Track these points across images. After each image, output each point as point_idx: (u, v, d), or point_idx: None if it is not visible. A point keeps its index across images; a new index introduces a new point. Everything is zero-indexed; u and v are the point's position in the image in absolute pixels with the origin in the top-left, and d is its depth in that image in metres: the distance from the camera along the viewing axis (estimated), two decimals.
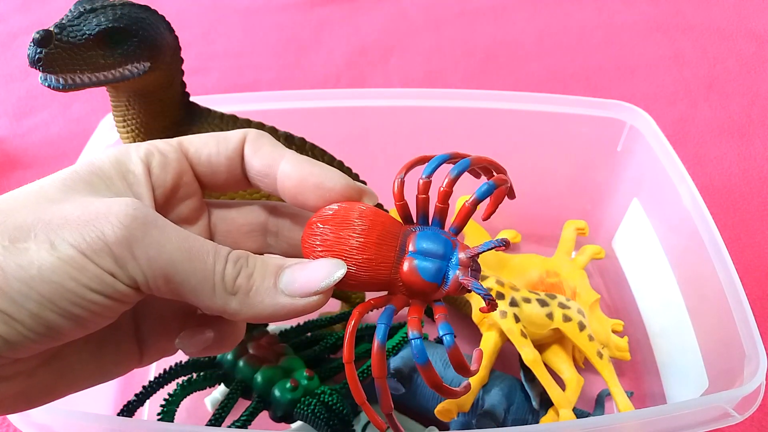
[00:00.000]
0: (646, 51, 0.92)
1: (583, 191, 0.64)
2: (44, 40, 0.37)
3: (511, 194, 0.30)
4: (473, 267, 0.28)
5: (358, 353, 0.52)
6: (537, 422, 0.49)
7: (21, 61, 0.90)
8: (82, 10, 0.39)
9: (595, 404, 0.53)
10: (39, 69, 0.38)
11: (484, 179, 0.30)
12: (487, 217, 0.32)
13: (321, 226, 0.28)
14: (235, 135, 0.30)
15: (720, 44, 0.92)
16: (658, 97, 0.84)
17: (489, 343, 0.49)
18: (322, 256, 0.28)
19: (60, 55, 0.38)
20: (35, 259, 0.23)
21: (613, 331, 0.57)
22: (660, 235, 0.56)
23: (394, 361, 0.50)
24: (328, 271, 0.27)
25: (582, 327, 0.50)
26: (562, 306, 0.50)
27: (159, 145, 0.29)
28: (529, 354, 0.47)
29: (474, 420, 0.48)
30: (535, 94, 0.60)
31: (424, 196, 0.30)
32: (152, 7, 0.42)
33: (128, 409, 0.46)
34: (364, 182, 0.54)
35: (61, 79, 0.38)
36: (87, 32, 0.38)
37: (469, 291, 0.26)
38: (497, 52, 0.92)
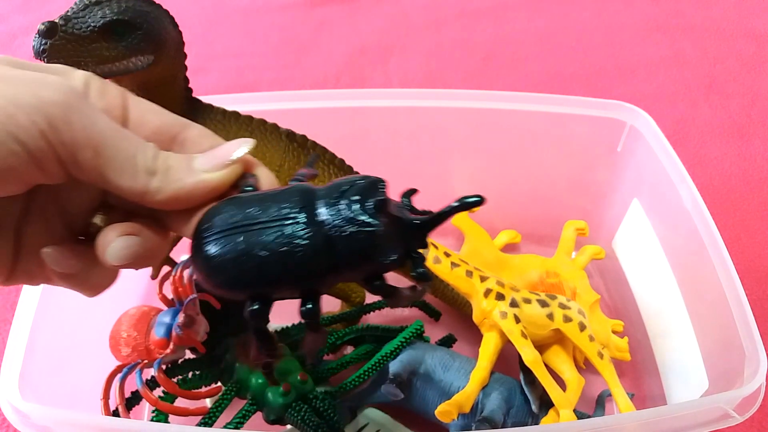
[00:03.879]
0: (646, 51, 0.92)
1: (583, 191, 0.64)
2: (49, 31, 0.37)
3: None
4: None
5: (358, 354, 0.52)
6: (536, 425, 0.49)
7: None
8: (87, 2, 0.39)
9: (595, 405, 0.53)
10: (44, 60, 0.38)
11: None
12: None
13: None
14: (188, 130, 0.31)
15: (720, 44, 0.92)
16: (658, 97, 0.84)
17: (489, 344, 0.49)
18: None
19: (65, 47, 0.38)
20: None
21: (613, 332, 0.57)
22: (660, 235, 0.56)
23: (393, 366, 0.50)
24: (236, 145, 0.30)
25: (582, 327, 0.50)
26: (562, 306, 0.50)
27: (104, 81, 0.30)
28: (529, 354, 0.47)
29: (473, 423, 0.48)
30: (535, 94, 0.60)
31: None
32: (156, 2, 0.42)
33: (125, 408, 0.46)
34: None
35: None
36: (92, 24, 0.38)
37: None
38: (497, 52, 0.92)
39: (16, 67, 0.27)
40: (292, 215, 0.28)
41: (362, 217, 0.27)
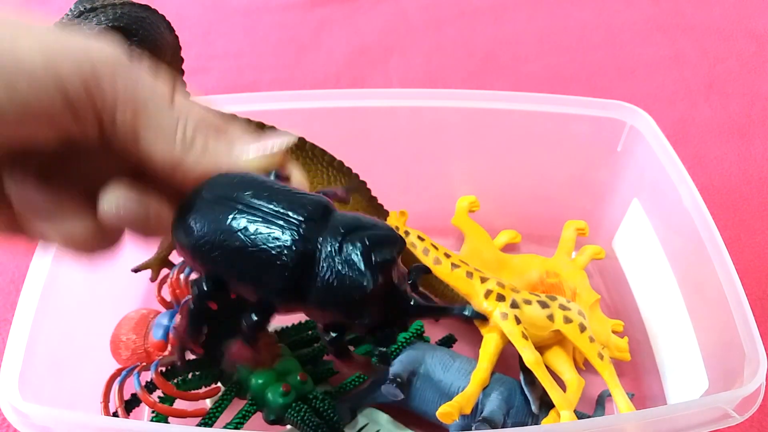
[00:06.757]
0: (646, 51, 0.91)
1: (583, 191, 0.64)
2: None
3: None
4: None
5: (359, 354, 0.52)
6: (536, 425, 0.49)
7: None
8: (82, 9, 0.39)
9: (595, 405, 0.53)
10: None
11: None
12: None
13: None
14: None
15: (720, 44, 0.92)
16: (658, 97, 0.84)
17: (490, 344, 0.49)
18: None
19: None
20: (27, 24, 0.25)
21: (613, 332, 0.57)
22: (660, 235, 0.56)
23: (393, 366, 0.50)
24: (277, 137, 0.29)
25: (583, 328, 0.50)
26: (562, 308, 0.50)
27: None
28: (530, 355, 0.47)
29: (473, 424, 0.48)
30: (535, 94, 0.60)
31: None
32: (152, 7, 0.42)
33: (125, 410, 0.46)
34: (364, 182, 0.54)
35: None
36: (87, 32, 0.38)
37: None
38: (497, 52, 0.92)
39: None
40: (293, 220, 0.26)
41: (360, 266, 0.25)
